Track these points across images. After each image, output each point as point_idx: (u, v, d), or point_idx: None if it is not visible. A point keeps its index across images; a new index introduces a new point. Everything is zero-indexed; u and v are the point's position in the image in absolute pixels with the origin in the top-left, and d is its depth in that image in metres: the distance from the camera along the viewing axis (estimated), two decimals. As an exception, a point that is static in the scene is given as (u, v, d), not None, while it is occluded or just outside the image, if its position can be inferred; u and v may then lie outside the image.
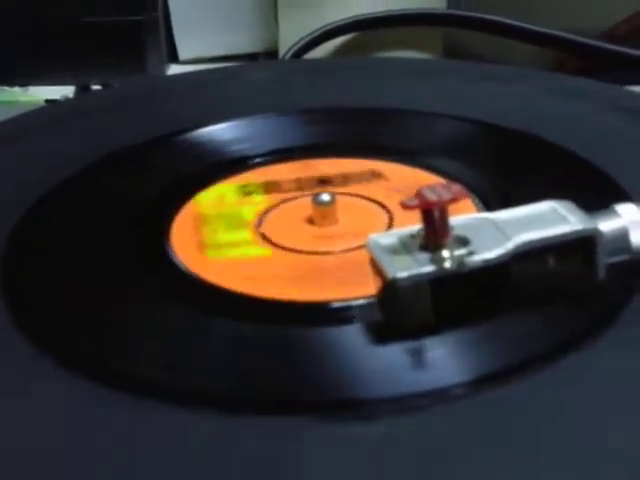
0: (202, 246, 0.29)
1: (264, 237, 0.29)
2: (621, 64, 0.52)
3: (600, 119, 0.35)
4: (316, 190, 0.31)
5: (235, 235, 0.29)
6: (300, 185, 0.32)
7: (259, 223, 0.30)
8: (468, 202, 0.29)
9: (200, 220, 0.30)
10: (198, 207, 0.31)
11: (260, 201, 0.31)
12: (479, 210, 0.29)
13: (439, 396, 0.21)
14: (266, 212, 0.31)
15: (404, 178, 0.32)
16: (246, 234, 0.29)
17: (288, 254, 0.28)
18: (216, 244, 0.29)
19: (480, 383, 0.21)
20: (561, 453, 0.19)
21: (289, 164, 0.34)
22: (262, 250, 0.28)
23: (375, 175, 0.33)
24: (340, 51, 0.57)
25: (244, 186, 0.33)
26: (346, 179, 0.32)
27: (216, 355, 0.23)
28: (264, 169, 0.34)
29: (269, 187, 0.32)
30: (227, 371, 0.23)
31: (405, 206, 0.23)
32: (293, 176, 0.33)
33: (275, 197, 0.32)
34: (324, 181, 0.32)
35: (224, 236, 0.29)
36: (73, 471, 0.19)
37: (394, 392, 0.21)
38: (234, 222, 0.30)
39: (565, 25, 0.54)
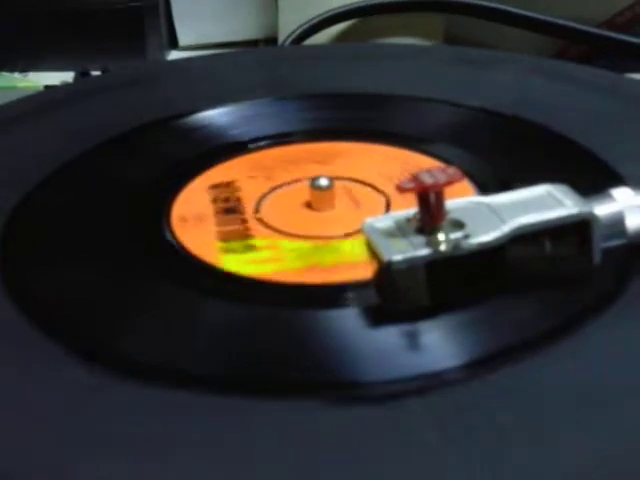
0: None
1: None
2: (622, 52, 0.52)
3: (597, 105, 0.35)
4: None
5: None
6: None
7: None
8: (464, 186, 0.29)
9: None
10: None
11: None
12: (475, 194, 0.29)
13: (434, 379, 0.21)
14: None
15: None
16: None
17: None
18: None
19: (475, 366, 0.21)
20: (557, 436, 0.19)
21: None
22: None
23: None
24: (340, 38, 0.57)
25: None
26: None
27: (214, 338, 0.23)
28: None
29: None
30: (224, 354, 0.23)
31: (401, 189, 0.23)
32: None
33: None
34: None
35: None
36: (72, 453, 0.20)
37: (389, 375, 0.21)
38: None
39: (566, 13, 0.54)
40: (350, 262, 0.26)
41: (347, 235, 0.28)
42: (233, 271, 0.26)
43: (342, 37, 0.57)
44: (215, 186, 0.32)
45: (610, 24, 0.56)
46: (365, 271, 0.24)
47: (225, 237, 0.28)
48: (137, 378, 0.22)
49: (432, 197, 0.23)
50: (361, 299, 0.24)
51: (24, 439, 0.20)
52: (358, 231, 0.26)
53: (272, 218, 0.29)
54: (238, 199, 0.31)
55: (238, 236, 0.28)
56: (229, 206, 0.30)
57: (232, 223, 0.29)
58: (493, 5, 0.54)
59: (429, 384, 0.21)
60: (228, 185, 0.32)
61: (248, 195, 0.31)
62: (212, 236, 0.28)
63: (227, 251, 0.27)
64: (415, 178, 0.23)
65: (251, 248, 0.28)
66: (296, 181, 0.31)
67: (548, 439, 0.19)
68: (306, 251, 0.27)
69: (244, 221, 0.29)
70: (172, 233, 0.28)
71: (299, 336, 0.23)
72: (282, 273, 0.26)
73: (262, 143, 0.35)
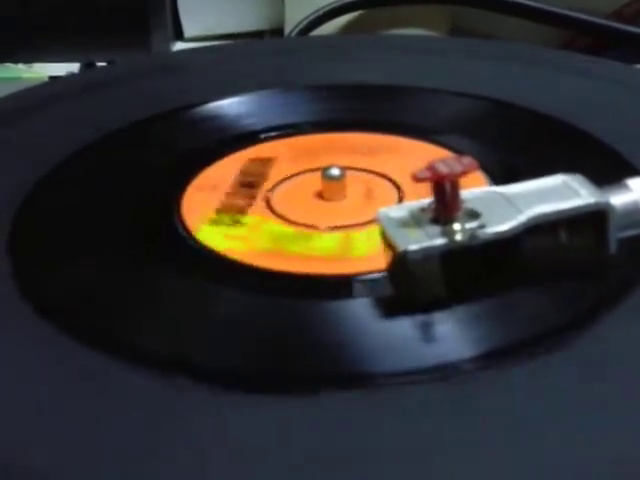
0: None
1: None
2: (630, 44, 0.52)
3: (610, 97, 0.35)
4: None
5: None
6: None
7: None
8: (479, 177, 0.29)
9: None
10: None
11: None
12: (487, 185, 0.29)
13: (449, 370, 0.21)
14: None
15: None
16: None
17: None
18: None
19: (490, 358, 0.21)
20: (567, 430, 0.19)
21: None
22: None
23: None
24: (346, 29, 0.57)
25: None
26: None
27: (224, 328, 0.23)
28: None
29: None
30: (234, 345, 0.23)
31: (416, 178, 0.22)
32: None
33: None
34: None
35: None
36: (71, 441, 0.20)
37: (404, 366, 0.21)
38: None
39: (573, 4, 0.54)
40: (310, 255, 0.26)
41: (332, 228, 0.28)
42: (243, 261, 0.26)
43: (348, 28, 0.57)
44: (253, 160, 0.32)
45: (618, 15, 0.56)
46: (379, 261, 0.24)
47: (222, 209, 0.29)
48: (139, 366, 0.21)
49: (448, 187, 0.23)
50: (375, 289, 0.24)
51: (26, 430, 0.20)
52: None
53: (278, 200, 0.29)
54: (263, 175, 0.31)
55: (234, 210, 0.29)
56: (251, 180, 0.31)
57: (240, 197, 0.30)
58: (499, -4, 0.54)
59: (443, 375, 0.21)
60: (265, 161, 0.32)
61: (276, 174, 0.31)
62: (212, 206, 0.29)
63: (213, 222, 0.28)
64: (431, 167, 0.22)
65: (236, 223, 0.28)
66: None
67: (563, 433, 0.19)
68: (281, 236, 0.27)
69: (252, 197, 0.29)
70: (184, 224, 0.28)
71: (310, 327, 0.23)
72: (246, 252, 0.26)
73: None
